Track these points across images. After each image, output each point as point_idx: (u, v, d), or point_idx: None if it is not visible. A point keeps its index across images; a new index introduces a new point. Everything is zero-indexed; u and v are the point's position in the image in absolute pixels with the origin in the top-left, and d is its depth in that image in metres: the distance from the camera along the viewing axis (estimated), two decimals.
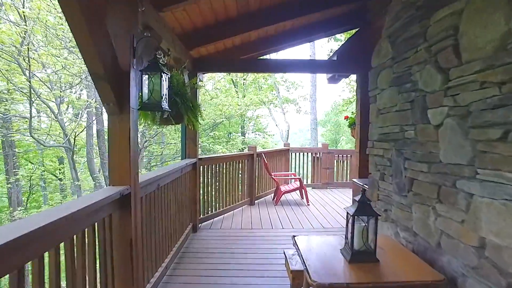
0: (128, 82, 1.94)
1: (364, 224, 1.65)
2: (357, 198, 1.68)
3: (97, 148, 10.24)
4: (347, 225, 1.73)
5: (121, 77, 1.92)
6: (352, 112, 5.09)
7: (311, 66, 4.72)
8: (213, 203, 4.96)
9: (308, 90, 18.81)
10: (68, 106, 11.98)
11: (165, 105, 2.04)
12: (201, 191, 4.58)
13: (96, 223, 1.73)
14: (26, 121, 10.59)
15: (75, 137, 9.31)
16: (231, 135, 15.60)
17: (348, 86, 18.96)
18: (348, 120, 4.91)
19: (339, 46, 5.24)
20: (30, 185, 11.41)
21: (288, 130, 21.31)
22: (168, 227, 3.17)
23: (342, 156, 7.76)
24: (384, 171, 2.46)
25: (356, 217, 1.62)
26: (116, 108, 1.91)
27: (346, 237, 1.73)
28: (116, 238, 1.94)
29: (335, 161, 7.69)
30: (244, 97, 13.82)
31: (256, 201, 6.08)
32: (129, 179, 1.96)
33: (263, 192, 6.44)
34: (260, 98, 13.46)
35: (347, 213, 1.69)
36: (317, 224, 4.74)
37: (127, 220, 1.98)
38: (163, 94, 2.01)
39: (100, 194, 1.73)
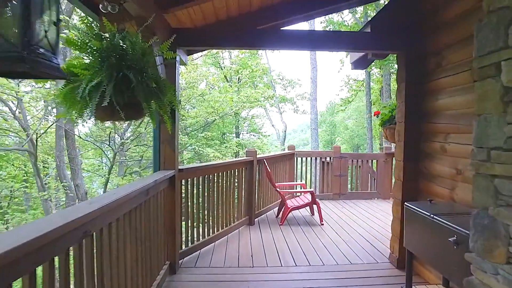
0: None
1: None
2: None
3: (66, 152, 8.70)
4: None
5: None
6: (384, 106, 3.85)
7: (338, 39, 3.36)
8: (200, 229, 3.68)
9: (307, 89, 17.58)
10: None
11: (50, 60, 0.75)
12: (182, 215, 3.29)
13: None
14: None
15: (37, 138, 7.80)
16: (225, 135, 14.24)
17: (347, 86, 17.84)
18: (381, 117, 3.68)
19: (374, 14, 3.96)
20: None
21: (285, 131, 20.14)
22: None
23: (357, 161, 6.54)
24: None
25: None
26: None
27: None
28: None
29: (349, 166, 6.47)
30: (239, 94, 12.50)
31: (256, 220, 4.82)
32: None
33: (264, 207, 5.17)
34: (257, 94, 12.14)
35: None
36: (340, 256, 3.50)
37: None
38: (39, 27, 0.73)
39: None
